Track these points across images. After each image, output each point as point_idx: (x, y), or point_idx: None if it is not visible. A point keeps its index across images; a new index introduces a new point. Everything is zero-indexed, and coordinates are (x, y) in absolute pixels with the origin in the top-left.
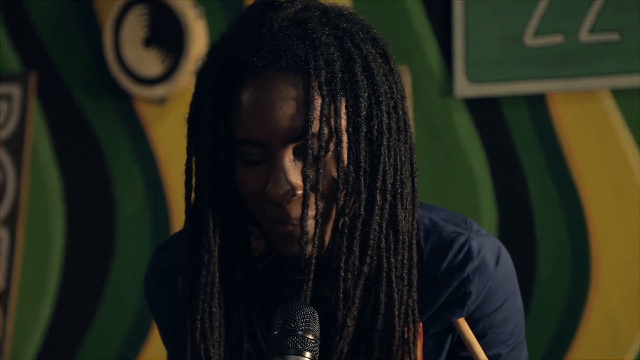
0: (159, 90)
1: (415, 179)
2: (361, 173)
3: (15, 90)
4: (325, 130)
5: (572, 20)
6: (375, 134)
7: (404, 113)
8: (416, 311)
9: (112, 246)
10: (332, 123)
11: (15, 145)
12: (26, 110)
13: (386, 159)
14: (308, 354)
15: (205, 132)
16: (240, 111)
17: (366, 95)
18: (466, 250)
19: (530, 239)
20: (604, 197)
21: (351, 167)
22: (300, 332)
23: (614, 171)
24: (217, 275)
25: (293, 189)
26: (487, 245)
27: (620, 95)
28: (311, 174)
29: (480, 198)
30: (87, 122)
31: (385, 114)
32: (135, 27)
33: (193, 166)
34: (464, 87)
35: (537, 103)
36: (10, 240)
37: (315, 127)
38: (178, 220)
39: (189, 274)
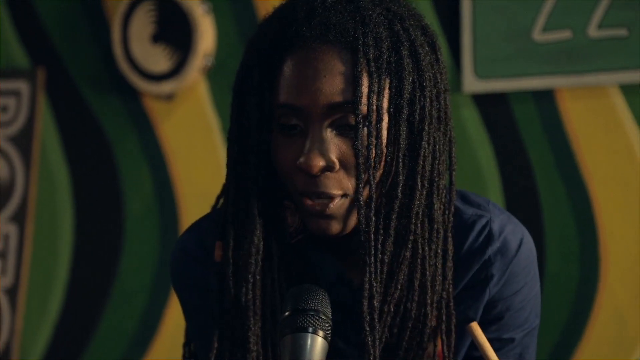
0: (166, 87)
1: (454, 172)
2: (400, 155)
3: (23, 87)
4: (369, 108)
5: (580, 16)
6: (417, 118)
7: (446, 105)
8: (451, 304)
9: (120, 243)
10: (375, 101)
11: (23, 141)
12: (34, 107)
13: (426, 145)
14: (321, 333)
15: (251, 99)
16: (285, 78)
17: (410, 78)
18: (487, 232)
19: (538, 235)
20: (612, 193)
21: (390, 147)
22: (312, 312)
23: (623, 167)
24: (261, 244)
25: (327, 162)
26: (510, 227)
27: (629, 91)
28: (347, 148)
29: (488, 194)
30: (95, 118)
31: (428, 100)
32: (143, 23)
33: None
34: (472, 83)
35: (546, 99)
36: (19, 236)
37: (361, 103)
38: (186, 216)
39: (233, 243)
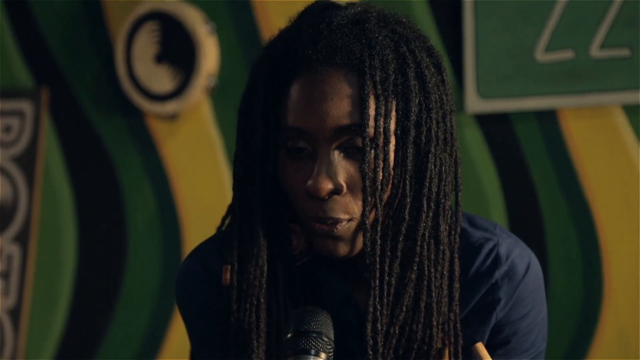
0: (170, 106)
1: (459, 193)
2: (407, 177)
3: (27, 106)
4: (377, 130)
5: (582, 36)
6: (424, 140)
7: (452, 126)
8: (458, 325)
9: (124, 261)
10: (382, 124)
11: (27, 161)
12: (38, 126)
13: (432, 167)
14: (323, 355)
15: (256, 122)
16: (291, 101)
17: (417, 100)
18: (494, 255)
19: (541, 254)
20: (615, 212)
21: (397, 169)
22: (315, 335)
23: (626, 186)
24: (265, 267)
25: (335, 185)
26: (517, 251)
27: (631, 111)
28: (354, 171)
29: (491, 213)
30: (99, 137)
31: (434, 122)
32: (146, 43)
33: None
34: (474, 103)
35: (548, 119)
36: (22, 255)
37: (368, 125)
38: (189, 235)
39: (238, 265)
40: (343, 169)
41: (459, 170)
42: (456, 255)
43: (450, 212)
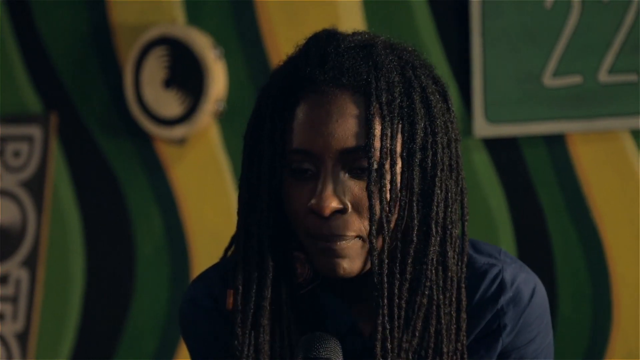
0: (178, 131)
1: (466, 223)
2: (414, 200)
3: (36, 131)
4: (382, 152)
5: (590, 61)
6: (430, 164)
7: (457, 154)
8: (465, 356)
9: (132, 286)
10: (388, 145)
11: (36, 185)
12: (47, 151)
13: (439, 191)
14: None
15: (263, 146)
16: (297, 123)
17: (422, 124)
18: (499, 281)
19: (550, 278)
20: (624, 237)
21: (404, 192)
22: None
23: (634, 211)
24: (269, 290)
25: (339, 204)
26: (522, 276)
27: (639, 136)
28: (360, 191)
29: (499, 238)
30: (107, 162)
31: (440, 147)
32: (155, 68)
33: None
34: (482, 128)
35: (557, 143)
36: (31, 280)
37: (374, 146)
38: (197, 259)
39: (242, 290)
40: (348, 189)
41: (465, 199)
42: (463, 285)
43: (457, 240)
